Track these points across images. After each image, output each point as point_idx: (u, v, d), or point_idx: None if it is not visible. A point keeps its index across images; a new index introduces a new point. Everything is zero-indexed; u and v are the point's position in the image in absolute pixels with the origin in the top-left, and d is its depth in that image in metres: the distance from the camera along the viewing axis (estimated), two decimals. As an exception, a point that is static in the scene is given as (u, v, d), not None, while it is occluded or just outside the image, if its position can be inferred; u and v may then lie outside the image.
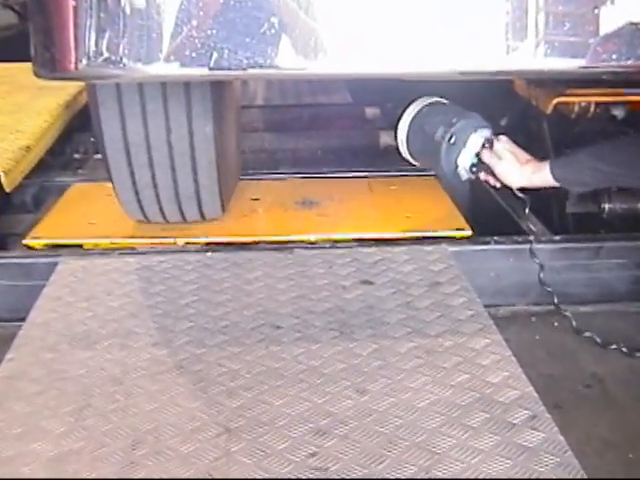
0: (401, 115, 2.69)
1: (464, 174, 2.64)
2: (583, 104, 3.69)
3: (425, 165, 2.73)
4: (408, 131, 2.67)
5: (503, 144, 2.65)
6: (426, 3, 2.12)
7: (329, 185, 4.15)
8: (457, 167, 2.61)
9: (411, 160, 2.73)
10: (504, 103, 4.10)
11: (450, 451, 2.18)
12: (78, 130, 4.90)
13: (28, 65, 2.26)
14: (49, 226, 3.68)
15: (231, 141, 3.76)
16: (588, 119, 3.69)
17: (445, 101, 2.71)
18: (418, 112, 2.66)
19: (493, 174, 2.66)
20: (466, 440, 2.22)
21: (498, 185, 2.72)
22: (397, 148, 2.73)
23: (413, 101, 2.69)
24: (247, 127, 4.88)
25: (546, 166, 2.64)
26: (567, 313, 3.06)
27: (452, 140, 2.56)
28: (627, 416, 2.66)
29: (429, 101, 2.68)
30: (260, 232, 3.61)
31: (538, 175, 2.64)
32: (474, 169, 2.62)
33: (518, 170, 2.65)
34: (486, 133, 2.62)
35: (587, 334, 3.01)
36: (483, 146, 2.61)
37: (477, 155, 2.61)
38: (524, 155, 2.69)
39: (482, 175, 2.67)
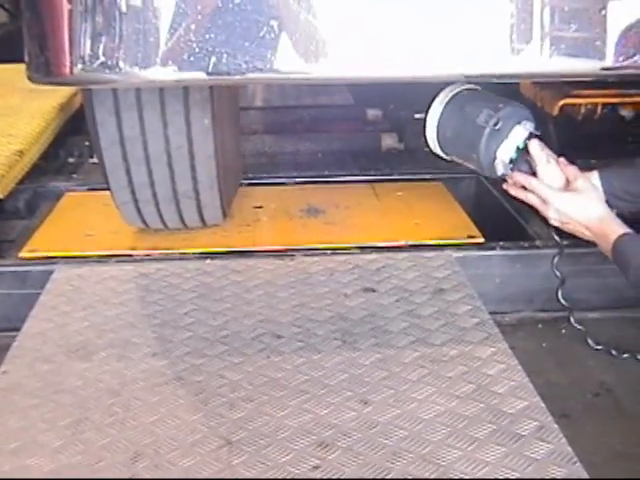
0: (434, 99, 2.44)
1: (500, 168, 2.36)
2: (590, 106, 3.65)
3: (457, 156, 2.46)
4: (441, 116, 2.41)
5: (543, 146, 2.40)
6: (430, 6, 2.08)
7: (333, 191, 4.11)
8: (495, 159, 2.34)
9: (439, 151, 2.47)
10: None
11: (455, 463, 2.15)
12: (73, 133, 4.86)
13: (21, 66, 2.22)
14: (44, 238, 3.61)
15: (231, 141, 3.71)
16: (595, 120, 3.65)
17: (479, 87, 2.47)
18: (454, 96, 2.41)
19: (528, 178, 2.38)
20: (472, 452, 2.18)
21: (531, 201, 2.42)
22: (424, 136, 2.47)
23: (446, 86, 2.45)
24: (247, 129, 4.84)
25: (593, 173, 2.44)
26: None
27: (498, 126, 2.30)
28: (637, 425, 2.62)
29: (466, 86, 2.43)
30: (265, 242, 3.54)
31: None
32: (511, 165, 2.36)
33: (560, 175, 2.40)
34: (530, 127, 2.37)
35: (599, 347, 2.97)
36: (525, 141, 2.35)
37: (518, 149, 2.35)
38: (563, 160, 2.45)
39: (516, 176, 2.39)
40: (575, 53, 2.11)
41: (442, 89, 2.43)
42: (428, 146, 2.47)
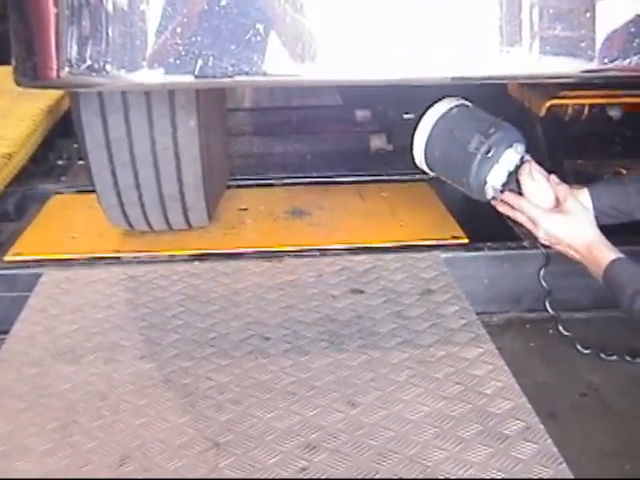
0: (421, 117, 2.35)
1: (490, 192, 2.27)
2: (577, 106, 3.65)
3: (445, 176, 2.38)
4: (430, 136, 2.31)
5: (534, 165, 2.31)
6: (417, 9, 2.09)
7: (319, 193, 4.11)
8: (485, 184, 2.25)
9: (425, 168, 2.37)
10: (497, 105, 4.05)
11: (442, 464, 2.15)
12: (61, 136, 4.84)
13: (9, 69, 2.22)
14: (30, 241, 3.62)
15: (217, 143, 3.71)
16: (582, 121, 3.65)
17: (470, 104, 2.37)
18: (443, 115, 2.31)
19: (517, 198, 2.29)
20: (458, 453, 2.19)
21: (519, 220, 2.34)
22: (411, 153, 2.37)
23: (435, 102, 2.34)
24: (235, 131, 4.84)
25: (583, 190, 2.35)
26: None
27: (489, 153, 2.21)
28: (624, 425, 2.63)
29: (455, 103, 2.33)
30: (250, 245, 3.55)
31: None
32: (502, 188, 2.27)
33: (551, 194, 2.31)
34: (521, 150, 2.27)
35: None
36: (516, 164, 2.26)
37: (509, 174, 2.26)
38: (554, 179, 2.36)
39: (505, 195, 2.29)
40: (562, 55, 2.12)
41: (431, 105, 2.34)
42: (413, 160, 2.43)
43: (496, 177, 2.24)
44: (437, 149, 2.32)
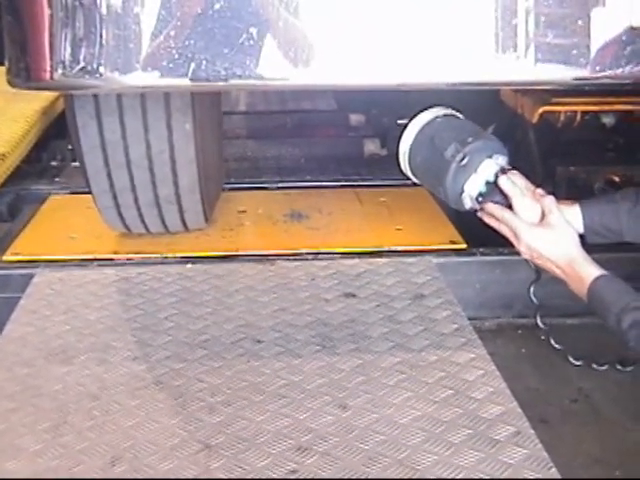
0: (407, 123, 2.34)
1: (468, 202, 2.24)
2: (569, 113, 3.66)
3: (426, 183, 2.37)
4: (413, 142, 2.31)
5: (518, 178, 2.27)
6: (413, 14, 2.09)
7: (316, 196, 4.12)
8: (462, 193, 2.22)
9: (410, 175, 2.37)
10: (490, 112, 4.06)
11: (432, 468, 2.16)
12: (55, 137, 4.84)
13: (1, 69, 2.22)
14: (28, 241, 3.62)
15: (212, 146, 3.71)
16: (575, 128, 3.66)
17: (460, 115, 2.36)
18: (428, 123, 2.30)
19: (500, 209, 2.24)
20: (449, 457, 2.20)
21: (503, 232, 2.28)
22: (397, 159, 2.36)
23: (423, 110, 2.34)
24: (230, 134, 4.85)
25: (574, 206, 2.30)
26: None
27: (464, 162, 2.18)
28: (614, 431, 2.65)
29: (443, 112, 2.32)
30: (248, 247, 3.55)
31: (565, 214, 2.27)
32: (480, 199, 2.23)
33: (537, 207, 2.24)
34: (502, 161, 2.23)
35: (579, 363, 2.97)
36: (496, 175, 2.22)
37: (487, 184, 2.22)
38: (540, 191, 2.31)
39: (488, 206, 2.24)
40: (555, 62, 2.12)
41: (420, 111, 2.34)
42: (399, 166, 2.42)
43: (473, 186, 2.22)
44: (418, 156, 2.31)
